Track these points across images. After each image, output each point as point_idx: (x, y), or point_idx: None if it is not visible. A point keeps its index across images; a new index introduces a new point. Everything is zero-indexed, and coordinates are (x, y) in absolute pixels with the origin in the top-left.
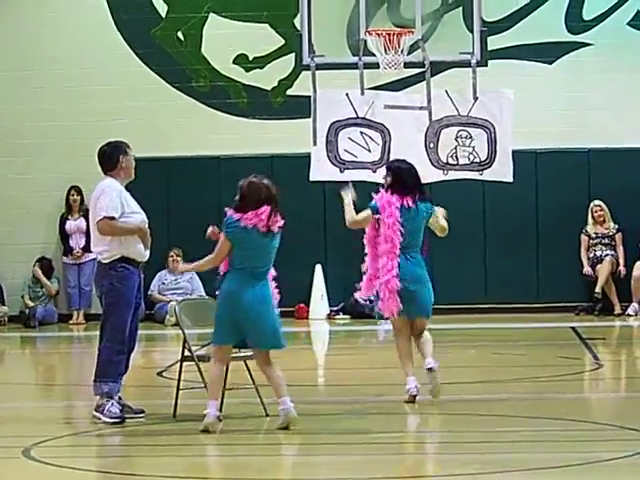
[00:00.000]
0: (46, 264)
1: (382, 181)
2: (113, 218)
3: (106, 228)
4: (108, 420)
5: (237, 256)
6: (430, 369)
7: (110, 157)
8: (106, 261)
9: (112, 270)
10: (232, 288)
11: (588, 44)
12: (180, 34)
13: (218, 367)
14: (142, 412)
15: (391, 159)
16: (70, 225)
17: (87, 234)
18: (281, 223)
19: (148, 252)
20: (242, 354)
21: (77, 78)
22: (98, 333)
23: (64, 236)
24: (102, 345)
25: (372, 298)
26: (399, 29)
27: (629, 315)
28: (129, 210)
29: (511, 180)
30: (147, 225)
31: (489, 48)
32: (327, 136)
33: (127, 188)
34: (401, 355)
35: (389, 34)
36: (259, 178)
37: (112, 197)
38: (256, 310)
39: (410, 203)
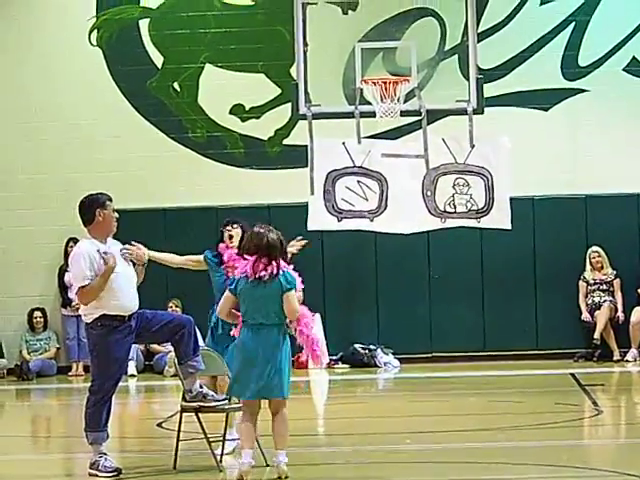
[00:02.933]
0: (40, 314)
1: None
2: (85, 287)
3: (83, 299)
4: (105, 475)
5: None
6: None
7: (87, 210)
8: (88, 320)
9: (93, 329)
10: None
11: (584, 90)
12: (176, 85)
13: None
14: (226, 399)
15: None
16: (69, 277)
17: None
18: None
19: (134, 304)
20: (235, 405)
21: (73, 130)
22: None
23: (63, 288)
24: (88, 397)
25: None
26: (395, 77)
27: (628, 361)
28: (101, 271)
29: (509, 227)
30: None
31: (485, 95)
32: (324, 185)
33: (122, 241)
34: None
35: (385, 83)
36: (260, 227)
37: (80, 266)
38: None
39: None
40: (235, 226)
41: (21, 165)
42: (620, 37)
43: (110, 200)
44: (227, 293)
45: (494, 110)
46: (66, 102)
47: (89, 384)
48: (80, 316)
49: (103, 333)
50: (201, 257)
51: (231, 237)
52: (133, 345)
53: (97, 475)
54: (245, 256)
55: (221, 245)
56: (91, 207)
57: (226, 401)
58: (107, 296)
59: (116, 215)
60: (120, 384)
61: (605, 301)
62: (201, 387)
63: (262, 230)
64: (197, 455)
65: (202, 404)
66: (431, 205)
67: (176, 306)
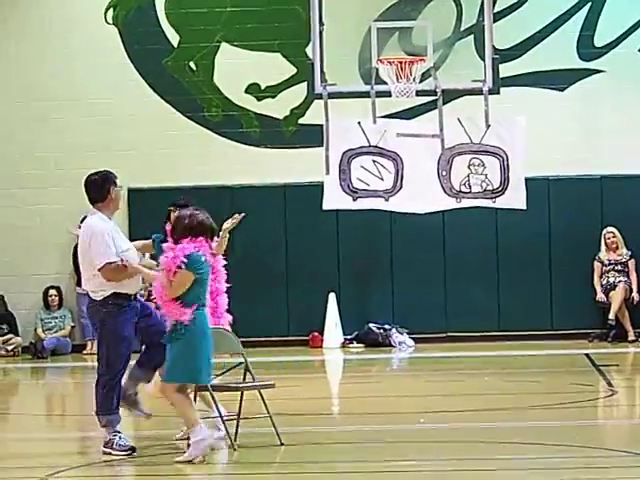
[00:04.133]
0: (55, 292)
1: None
2: (111, 263)
3: (110, 275)
4: (120, 453)
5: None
6: None
7: (101, 187)
8: (98, 298)
9: (103, 307)
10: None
11: (600, 71)
12: (192, 64)
13: (186, 397)
14: (150, 415)
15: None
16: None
17: None
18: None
19: (140, 283)
20: (257, 383)
21: (89, 108)
22: (96, 364)
23: (78, 266)
24: (98, 379)
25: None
26: (411, 57)
27: None
28: (120, 250)
29: (524, 207)
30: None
31: (501, 75)
32: (340, 165)
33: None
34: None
35: (401, 62)
36: (195, 209)
37: (106, 242)
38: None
39: None
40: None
41: (38, 143)
42: (636, 18)
43: (117, 177)
44: (189, 273)
45: (510, 90)
46: (82, 81)
47: (97, 364)
48: None
49: (113, 312)
50: (150, 241)
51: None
52: None
53: (111, 453)
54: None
55: (168, 226)
56: (104, 185)
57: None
58: None
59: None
60: (132, 362)
61: (620, 281)
62: (136, 394)
63: (199, 212)
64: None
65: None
66: (446, 185)
67: None
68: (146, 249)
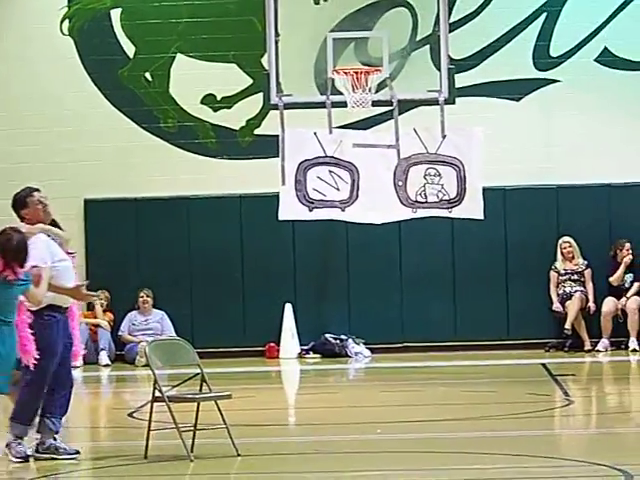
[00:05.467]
0: None
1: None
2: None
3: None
4: (13, 459)
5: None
6: None
7: (16, 212)
8: (33, 309)
9: (39, 318)
10: None
11: (556, 81)
12: (148, 74)
13: None
14: (77, 452)
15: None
16: None
17: None
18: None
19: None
20: (213, 394)
21: (44, 119)
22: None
23: None
24: (22, 387)
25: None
26: (366, 68)
27: (599, 351)
28: (56, 258)
29: (481, 217)
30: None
31: (457, 86)
32: (296, 175)
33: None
34: None
35: (357, 73)
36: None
37: (39, 248)
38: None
39: None
40: None
41: None
42: (592, 28)
43: (29, 195)
44: None
45: (466, 100)
46: (38, 92)
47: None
48: None
49: (48, 324)
50: None
51: None
52: (105, 335)
53: (7, 455)
54: None
55: None
56: (15, 209)
57: (77, 454)
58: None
59: (42, 205)
60: (92, 374)
61: (576, 291)
62: (54, 440)
63: (12, 234)
64: (168, 445)
65: (54, 456)
66: (402, 195)
67: (147, 296)
68: None
